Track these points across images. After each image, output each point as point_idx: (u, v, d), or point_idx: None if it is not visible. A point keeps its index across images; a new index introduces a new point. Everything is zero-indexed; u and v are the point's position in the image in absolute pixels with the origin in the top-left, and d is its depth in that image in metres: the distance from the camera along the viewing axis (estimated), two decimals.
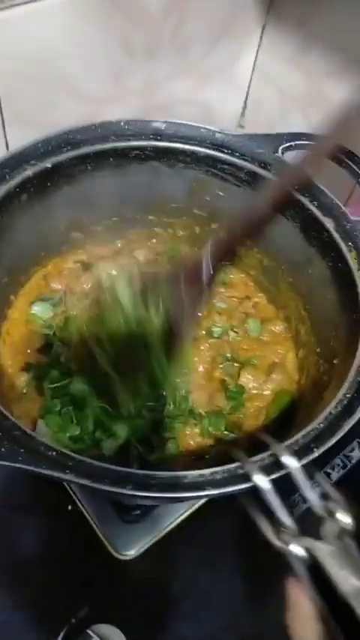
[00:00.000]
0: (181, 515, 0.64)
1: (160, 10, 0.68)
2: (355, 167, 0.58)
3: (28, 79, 0.65)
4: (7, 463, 0.36)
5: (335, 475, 0.70)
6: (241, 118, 0.97)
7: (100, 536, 0.62)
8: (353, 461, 0.71)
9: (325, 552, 0.34)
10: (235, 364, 0.63)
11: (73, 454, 0.39)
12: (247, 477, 0.39)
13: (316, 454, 0.40)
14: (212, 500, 0.66)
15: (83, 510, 0.63)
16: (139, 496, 0.37)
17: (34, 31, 0.61)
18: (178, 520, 0.64)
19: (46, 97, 0.68)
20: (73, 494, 0.64)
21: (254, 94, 0.91)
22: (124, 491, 0.37)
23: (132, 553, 0.61)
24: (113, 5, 0.64)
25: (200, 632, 0.59)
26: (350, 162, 0.58)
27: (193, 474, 0.39)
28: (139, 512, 0.63)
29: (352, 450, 0.72)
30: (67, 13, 0.61)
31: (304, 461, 0.39)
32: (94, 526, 0.62)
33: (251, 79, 0.89)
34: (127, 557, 0.61)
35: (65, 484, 0.64)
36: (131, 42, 0.69)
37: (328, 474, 0.70)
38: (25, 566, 0.61)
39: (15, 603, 0.59)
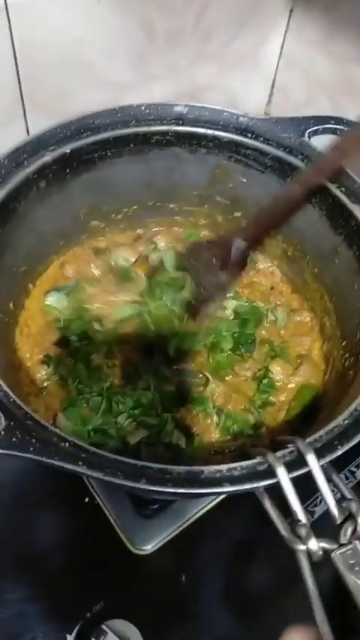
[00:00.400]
0: (199, 511, 0.63)
1: None
2: None
3: (49, 65, 0.64)
4: (18, 453, 0.35)
5: None
6: (267, 104, 0.94)
7: (117, 530, 0.61)
8: None
9: (339, 553, 0.32)
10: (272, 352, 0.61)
11: (87, 446, 0.38)
12: (265, 474, 0.37)
13: (339, 452, 0.38)
14: (231, 497, 0.64)
15: (100, 503, 0.62)
16: (152, 491, 0.36)
17: (55, 17, 0.60)
18: (197, 516, 0.63)
19: (68, 83, 0.67)
20: (90, 487, 0.63)
21: (281, 80, 0.89)
22: (138, 485, 0.35)
23: (149, 548, 0.60)
24: None
25: (216, 630, 0.58)
26: None
27: (210, 469, 0.38)
28: (156, 506, 0.62)
29: None
30: None
31: (328, 459, 0.38)
32: (111, 520, 0.62)
33: (278, 64, 0.87)
34: (144, 552, 0.60)
35: (83, 476, 0.64)
36: (153, 28, 0.68)
37: (353, 473, 0.68)
38: (41, 560, 0.61)
39: (30, 596, 0.59)
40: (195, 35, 0.72)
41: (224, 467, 0.38)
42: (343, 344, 0.56)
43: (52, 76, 0.64)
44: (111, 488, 0.61)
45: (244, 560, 0.62)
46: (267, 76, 0.89)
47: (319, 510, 0.64)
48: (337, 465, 0.66)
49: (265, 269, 0.69)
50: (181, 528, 0.61)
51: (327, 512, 0.43)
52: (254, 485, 0.36)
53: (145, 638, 0.55)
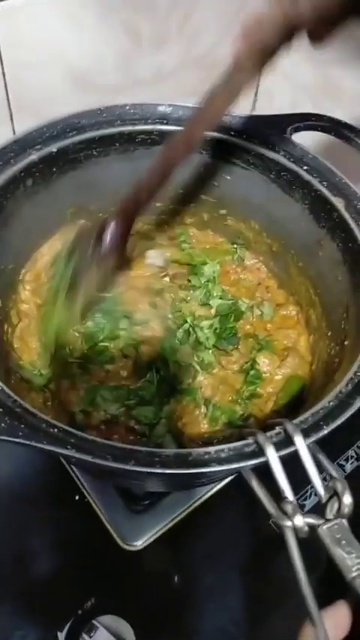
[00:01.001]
0: (189, 506, 0.63)
1: None
2: None
3: (35, 68, 0.65)
4: (7, 438, 0.36)
5: (349, 467, 0.69)
6: (252, 108, 0.96)
7: (108, 526, 0.61)
8: None
9: (325, 527, 0.33)
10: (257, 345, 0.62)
11: (75, 431, 0.38)
12: (253, 455, 0.38)
13: (325, 431, 0.39)
14: (221, 492, 0.65)
15: (90, 500, 0.63)
16: (141, 473, 0.36)
17: (41, 20, 0.61)
18: (187, 511, 0.63)
19: (54, 86, 0.68)
20: (80, 485, 0.64)
21: (264, 84, 0.90)
22: (127, 467, 0.36)
23: (139, 544, 0.60)
24: None
25: (207, 625, 0.58)
26: (358, 140, 0.57)
27: (198, 451, 0.38)
28: (147, 502, 0.62)
29: None
30: (69, 1, 0.61)
31: (313, 438, 0.38)
32: (102, 516, 0.62)
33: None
34: (134, 548, 0.60)
35: (72, 473, 0.64)
36: (139, 31, 0.69)
37: (342, 466, 0.69)
38: (31, 557, 0.61)
39: (21, 594, 0.58)
40: (180, 39, 0.74)
41: (212, 449, 0.38)
42: (329, 334, 0.57)
43: (39, 78, 0.65)
44: (100, 484, 0.61)
45: (237, 554, 0.62)
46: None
47: (309, 504, 0.65)
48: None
49: (252, 265, 0.70)
50: (171, 524, 0.62)
51: (317, 505, 0.44)
52: (242, 464, 0.36)
53: (136, 633, 0.55)
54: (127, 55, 0.71)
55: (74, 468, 0.64)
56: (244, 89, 0.45)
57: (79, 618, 0.56)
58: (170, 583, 0.60)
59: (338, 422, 0.39)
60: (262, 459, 0.36)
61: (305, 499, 0.64)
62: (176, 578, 0.60)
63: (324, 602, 0.36)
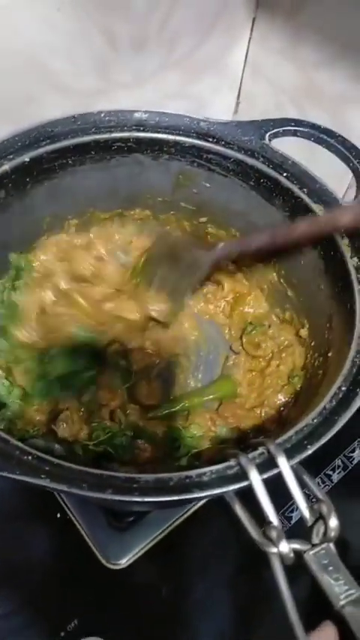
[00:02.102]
0: (174, 522, 0.62)
1: (145, 1, 0.66)
2: (345, 151, 0.55)
3: (12, 72, 0.62)
4: None
5: (336, 477, 0.67)
6: (234, 112, 0.94)
7: (91, 545, 0.59)
8: (354, 462, 0.68)
9: (312, 553, 0.32)
10: None
11: (50, 458, 0.36)
12: (235, 478, 0.36)
13: (309, 451, 0.38)
14: (205, 507, 0.63)
15: (72, 518, 0.61)
16: (119, 501, 0.34)
17: (16, 24, 0.59)
18: (171, 527, 0.62)
19: (30, 91, 0.65)
20: (62, 502, 0.62)
21: (247, 88, 0.89)
22: (104, 495, 0.34)
23: (123, 562, 0.58)
24: None
25: None
26: (341, 147, 0.56)
27: (179, 475, 0.37)
28: (131, 519, 0.61)
29: (353, 451, 0.69)
30: (44, 5, 0.59)
31: (297, 459, 0.37)
32: (84, 534, 0.60)
33: (243, 72, 0.87)
34: (119, 567, 0.58)
35: (54, 491, 0.62)
36: (117, 34, 0.67)
37: (329, 476, 0.68)
38: (11, 577, 0.59)
39: (1, 615, 0.56)
40: (159, 42, 0.72)
41: (193, 472, 0.37)
42: (312, 344, 0.56)
43: (16, 83, 0.63)
44: (83, 501, 0.59)
45: (224, 569, 0.61)
46: (233, 83, 0.89)
47: (295, 516, 0.64)
48: (313, 469, 0.66)
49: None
50: (156, 540, 0.60)
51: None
52: (224, 489, 0.35)
53: None
54: (105, 59, 0.69)
55: None
56: None
57: None
58: (155, 602, 0.58)
59: (322, 441, 0.38)
60: (245, 483, 0.35)
61: (292, 511, 0.63)
62: (162, 596, 0.59)
63: (312, 621, 0.35)
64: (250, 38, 0.81)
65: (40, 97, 0.66)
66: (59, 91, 0.67)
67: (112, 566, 0.58)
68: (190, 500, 0.36)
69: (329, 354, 0.50)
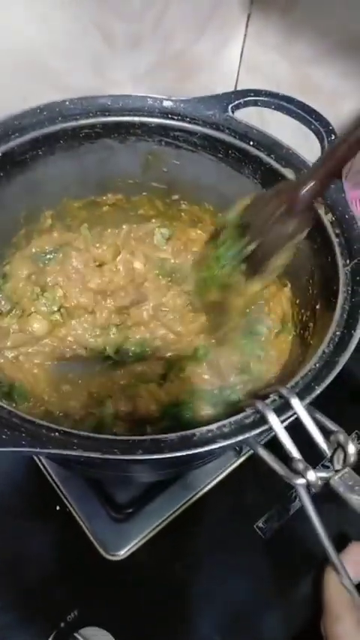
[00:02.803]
0: (172, 513, 0.64)
1: None
2: (306, 115, 0.58)
3: (4, 69, 0.62)
4: (13, 449, 0.35)
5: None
6: None
7: (90, 536, 0.61)
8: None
9: (337, 478, 0.34)
10: None
11: (77, 432, 0.38)
12: (254, 425, 0.39)
13: (318, 391, 0.40)
14: (205, 498, 0.66)
15: (72, 510, 0.62)
16: (152, 460, 0.36)
17: (12, 21, 0.58)
18: (170, 519, 0.63)
19: (26, 89, 0.65)
20: (61, 494, 0.63)
21: (242, 85, 0.89)
22: (137, 457, 0.36)
23: (122, 553, 0.60)
24: None
25: (194, 634, 0.58)
26: (301, 111, 0.58)
27: (201, 430, 0.39)
28: (130, 510, 0.62)
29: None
30: (40, 2, 0.59)
31: (308, 399, 0.40)
32: (83, 526, 0.61)
33: (239, 69, 0.88)
34: (118, 558, 0.60)
35: (53, 482, 0.64)
36: (112, 31, 0.67)
37: (327, 467, 0.67)
38: (12, 568, 0.59)
39: (2, 606, 0.57)
40: (154, 39, 0.72)
41: (214, 426, 0.39)
42: (297, 302, 0.59)
43: (12, 81, 0.63)
44: (82, 493, 0.61)
45: (223, 560, 0.62)
46: (229, 80, 0.90)
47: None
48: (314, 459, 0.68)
49: None
50: (155, 532, 0.62)
51: None
52: (246, 435, 0.37)
53: None
54: (102, 56, 0.69)
55: (55, 478, 0.64)
56: None
57: (61, 631, 0.55)
58: (154, 593, 0.60)
59: (328, 381, 0.41)
60: (264, 427, 0.38)
61: None
62: (161, 587, 0.60)
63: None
64: (245, 35, 0.82)
65: (37, 94, 0.65)
66: (56, 89, 0.67)
67: (111, 558, 0.60)
68: (215, 451, 0.38)
69: (317, 307, 0.53)
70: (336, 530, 0.60)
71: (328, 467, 0.37)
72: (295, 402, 0.38)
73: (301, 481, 0.35)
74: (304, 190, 0.49)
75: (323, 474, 0.35)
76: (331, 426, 0.38)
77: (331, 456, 0.37)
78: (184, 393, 0.58)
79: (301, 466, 0.35)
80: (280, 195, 0.51)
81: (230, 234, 0.57)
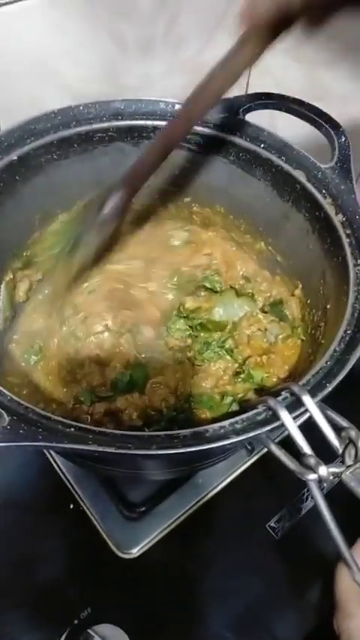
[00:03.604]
0: (185, 512, 0.64)
1: (151, 4, 0.67)
2: (316, 118, 0.59)
3: (18, 77, 0.63)
4: (30, 443, 0.36)
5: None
6: None
7: (103, 534, 0.62)
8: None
9: (349, 473, 0.35)
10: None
11: (91, 427, 0.39)
12: (266, 421, 0.39)
13: (329, 388, 0.41)
14: (217, 497, 0.66)
15: (85, 509, 0.63)
16: (165, 455, 0.37)
17: (22, 29, 0.60)
18: (182, 518, 0.64)
19: (38, 95, 0.66)
20: (74, 493, 0.64)
21: (253, 89, 0.89)
22: (150, 452, 0.37)
23: (135, 552, 0.61)
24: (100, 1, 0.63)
25: (206, 632, 0.58)
26: (311, 114, 0.59)
27: (213, 427, 0.39)
28: (142, 509, 0.63)
29: None
30: (54, 10, 0.60)
31: (320, 397, 0.40)
32: (97, 525, 0.62)
33: (250, 73, 0.89)
34: (131, 556, 0.61)
35: (66, 481, 0.65)
36: (124, 37, 0.68)
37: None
38: (26, 566, 0.60)
39: (16, 603, 0.58)
40: (166, 44, 0.73)
41: (226, 422, 0.40)
42: (308, 302, 0.60)
43: (25, 87, 0.64)
44: (95, 489, 0.62)
45: (235, 559, 0.63)
46: (240, 84, 0.89)
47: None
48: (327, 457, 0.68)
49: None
50: (167, 530, 0.63)
51: None
52: (258, 431, 0.38)
53: None
54: (114, 62, 0.70)
55: (68, 476, 0.65)
56: (245, 67, 0.47)
57: (75, 628, 0.56)
58: (167, 591, 0.60)
59: (339, 378, 0.41)
60: (276, 423, 0.38)
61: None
62: (173, 585, 0.60)
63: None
64: None
65: (51, 100, 0.66)
66: (69, 95, 0.68)
67: (124, 556, 0.60)
68: (227, 448, 0.38)
69: (327, 307, 0.54)
70: (347, 526, 0.61)
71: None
72: (307, 399, 0.39)
73: (312, 476, 0.35)
74: (109, 201, 0.55)
75: (335, 469, 0.35)
76: (342, 422, 0.38)
77: (343, 452, 0.37)
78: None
79: (312, 461, 0.35)
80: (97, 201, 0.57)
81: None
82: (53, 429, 0.38)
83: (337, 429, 0.38)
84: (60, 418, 0.39)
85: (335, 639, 0.50)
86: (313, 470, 0.35)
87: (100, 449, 0.36)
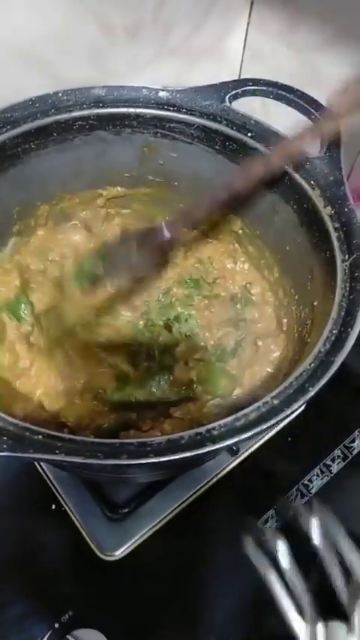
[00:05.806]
0: (169, 513, 0.62)
1: None
2: (305, 105, 0.56)
3: (5, 63, 0.61)
4: None
5: (336, 467, 0.67)
6: None
7: (85, 536, 0.60)
8: (354, 452, 0.68)
9: None
10: None
11: (61, 434, 0.37)
12: (244, 428, 0.37)
13: (312, 393, 0.39)
14: (201, 498, 0.65)
15: (67, 509, 0.61)
16: (135, 465, 0.35)
17: (4, 12, 0.57)
18: (167, 519, 0.62)
19: (27, 82, 0.64)
20: (57, 493, 0.62)
21: (246, 74, 0.87)
22: (120, 461, 0.35)
23: (118, 554, 0.59)
24: None
25: (191, 637, 0.57)
26: (300, 101, 0.56)
27: (188, 433, 0.37)
28: (126, 510, 0.61)
29: (353, 441, 0.69)
30: None
31: (301, 401, 0.38)
32: (79, 526, 0.61)
33: (242, 58, 0.86)
34: (113, 558, 0.59)
35: (48, 481, 0.63)
36: (111, 22, 0.65)
37: (329, 467, 0.67)
38: (5, 569, 0.59)
39: None
40: (155, 29, 0.70)
41: (202, 429, 0.38)
42: (296, 297, 0.58)
43: (9, 74, 0.62)
44: (77, 492, 0.60)
45: (221, 561, 0.61)
46: (232, 70, 0.87)
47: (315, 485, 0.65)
48: (312, 460, 0.66)
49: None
50: (151, 532, 0.61)
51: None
52: (235, 439, 0.36)
53: None
54: (100, 47, 0.67)
55: (50, 476, 0.63)
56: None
57: (55, 632, 0.55)
58: (150, 594, 0.59)
59: (322, 382, 0.39)
60: (256, 429, 0.36)
61: (311, 480, 0.65)
62: (157, 588, 0.59)
63: None
64: (248, 22, 0.80)
65: (37, 87, 0.64)
66: (55, 82, 0.65)
67: (106, 558, 0.59)
68: (203, 456, 0.36)
69: (315, 303, 0.52)
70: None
71: None
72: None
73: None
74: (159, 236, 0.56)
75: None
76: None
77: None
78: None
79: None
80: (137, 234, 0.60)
81: None
82: (20, 436, 0.36)
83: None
84: (28, 425, 0.37)
85: None
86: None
87: (68, 459, 0.35)
